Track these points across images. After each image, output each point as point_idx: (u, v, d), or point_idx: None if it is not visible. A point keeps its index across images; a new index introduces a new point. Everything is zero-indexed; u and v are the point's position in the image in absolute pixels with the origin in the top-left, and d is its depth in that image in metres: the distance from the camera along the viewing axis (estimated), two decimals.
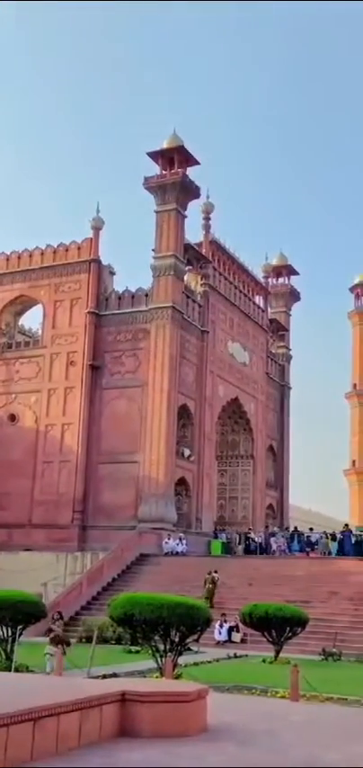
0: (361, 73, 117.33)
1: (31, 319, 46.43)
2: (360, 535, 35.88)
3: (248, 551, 37.89)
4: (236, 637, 25.65)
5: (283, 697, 14.54)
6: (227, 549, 38.21)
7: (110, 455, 38.67)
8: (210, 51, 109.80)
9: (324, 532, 37.62)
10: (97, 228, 42.05)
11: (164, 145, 40.67)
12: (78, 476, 38.96)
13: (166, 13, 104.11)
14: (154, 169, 40.50)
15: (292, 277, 54.47)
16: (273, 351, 51.96)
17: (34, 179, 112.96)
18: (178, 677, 14.74)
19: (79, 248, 42.02)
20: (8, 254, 43.99)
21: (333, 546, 35.64)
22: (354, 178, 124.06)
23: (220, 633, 25.67)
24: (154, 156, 40.56)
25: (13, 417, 41.49)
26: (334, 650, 23.19)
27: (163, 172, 40.26)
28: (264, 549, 37.99)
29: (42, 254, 43.05)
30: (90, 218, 42.14)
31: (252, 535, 39.67)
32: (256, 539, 38.72)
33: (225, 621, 25.91)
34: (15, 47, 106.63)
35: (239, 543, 39.85)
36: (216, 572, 29.26)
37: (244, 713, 12.83)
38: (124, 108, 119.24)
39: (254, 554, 37.14)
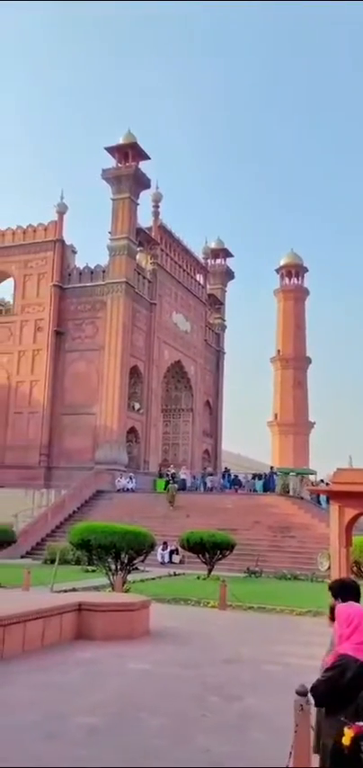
0: (299, 70, 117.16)
1: (4, 291, 45.52)
2: (277, 474, 36.53)
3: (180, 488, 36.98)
4: (176, 558, 26.02)
5: (214, 607, 14.95)
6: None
7: (71, 407, 38.49)
8: (165, 58, 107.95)
9: (254, 474, 38.06)
10: (61, 213, 41.29)
11: (120, 141, 39.98)
12: (44, 424, 38.72)
13: (118, 20, 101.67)
14: (111, 162, 39.90)
15: (228, 259, 54.52)
16: (211, 321, 52.14)
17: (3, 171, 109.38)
18: (127, 591, 14.96)
19: (45, 229, 41.24)
20: None
21: (259, 484, 36.23)
22: (288, 176, 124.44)
23: (163, 556, 26.03)
24: (111, 150, 39.87)
25: None
26: (256, 569, 23.82)
27: (119, 165, 39.60)
28: (200, 487, 38.22)
29: (13, 233, 42.11)
30: (55, 203, 41.48)
31: (171, 472, 38.23)
32: (181, 476, 38.13)
33: (167, 546, 26.27)
34: None
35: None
36: (174, 478, 34.98)
37: (181, 619, 13.16)
38: (87, 104, 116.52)
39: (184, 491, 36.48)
